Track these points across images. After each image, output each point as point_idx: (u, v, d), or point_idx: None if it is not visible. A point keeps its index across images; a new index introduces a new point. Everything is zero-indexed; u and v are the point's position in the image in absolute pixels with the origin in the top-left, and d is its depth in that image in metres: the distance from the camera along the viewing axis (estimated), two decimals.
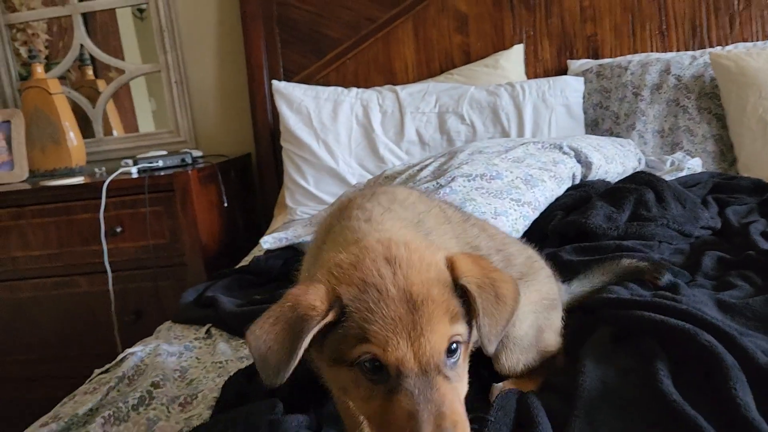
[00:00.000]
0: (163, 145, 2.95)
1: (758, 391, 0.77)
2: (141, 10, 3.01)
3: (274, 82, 2.55)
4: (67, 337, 2.43)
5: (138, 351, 1.20)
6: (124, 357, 1.18)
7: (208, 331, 1.29)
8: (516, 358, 0.91)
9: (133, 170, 2.50)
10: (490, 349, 0.70)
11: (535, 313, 0.93)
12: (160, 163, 2.57)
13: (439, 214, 0.89)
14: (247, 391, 0.96)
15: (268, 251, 1.72)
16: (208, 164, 2.57)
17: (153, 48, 2.97)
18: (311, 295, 0.65)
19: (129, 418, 0.94)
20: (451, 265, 0.70)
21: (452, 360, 0.66)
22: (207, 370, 1.09)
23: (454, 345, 0.66)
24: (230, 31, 2.90)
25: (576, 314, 1.07)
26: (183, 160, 2.60)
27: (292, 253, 1.68)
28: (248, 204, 2.91)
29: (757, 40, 2.54)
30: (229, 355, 1.15)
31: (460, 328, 0.67)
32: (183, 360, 1.15)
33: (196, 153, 2.76)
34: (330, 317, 0.64)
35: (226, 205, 2.57)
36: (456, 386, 0.66)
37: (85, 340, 2.42)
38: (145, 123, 3.19)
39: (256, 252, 1.97)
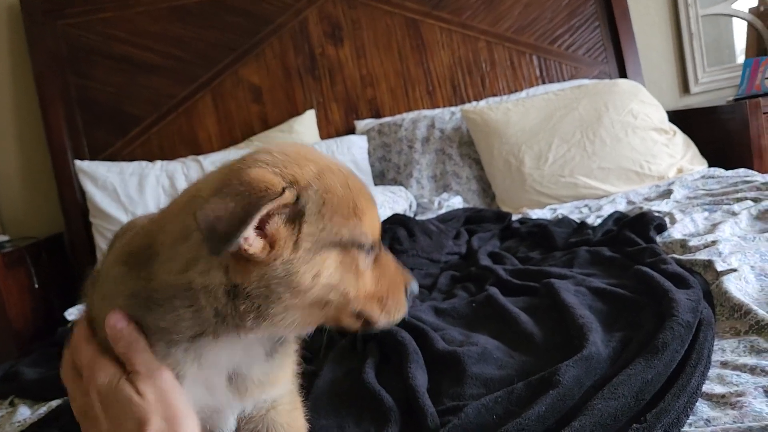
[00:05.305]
0: None
1: (435, 368, 1.08)
2: None
3: (77, 161, 2.65)
4: None
5: None
6: None
7: (11, 402, 1.38)
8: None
9: None
10: None
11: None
12: None
13: None
14: None
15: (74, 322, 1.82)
16: (15, 248, 2.58)
17: None
18: (262, 174, 0.60)
19: None
20: None
21: None
22: None
23: None
24: (29, 115, 2.95)
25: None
26: None
27: None
28: (65, 284, 2.92)
29: (504, 94, 3.10)
30: (27, 415, 1.26)
31: None
32: None
33: (2, 238, 2.74)
34: (288, 197, 0.59)
35: (37, 286, 2.58)
36: None
37: None
38: None
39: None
